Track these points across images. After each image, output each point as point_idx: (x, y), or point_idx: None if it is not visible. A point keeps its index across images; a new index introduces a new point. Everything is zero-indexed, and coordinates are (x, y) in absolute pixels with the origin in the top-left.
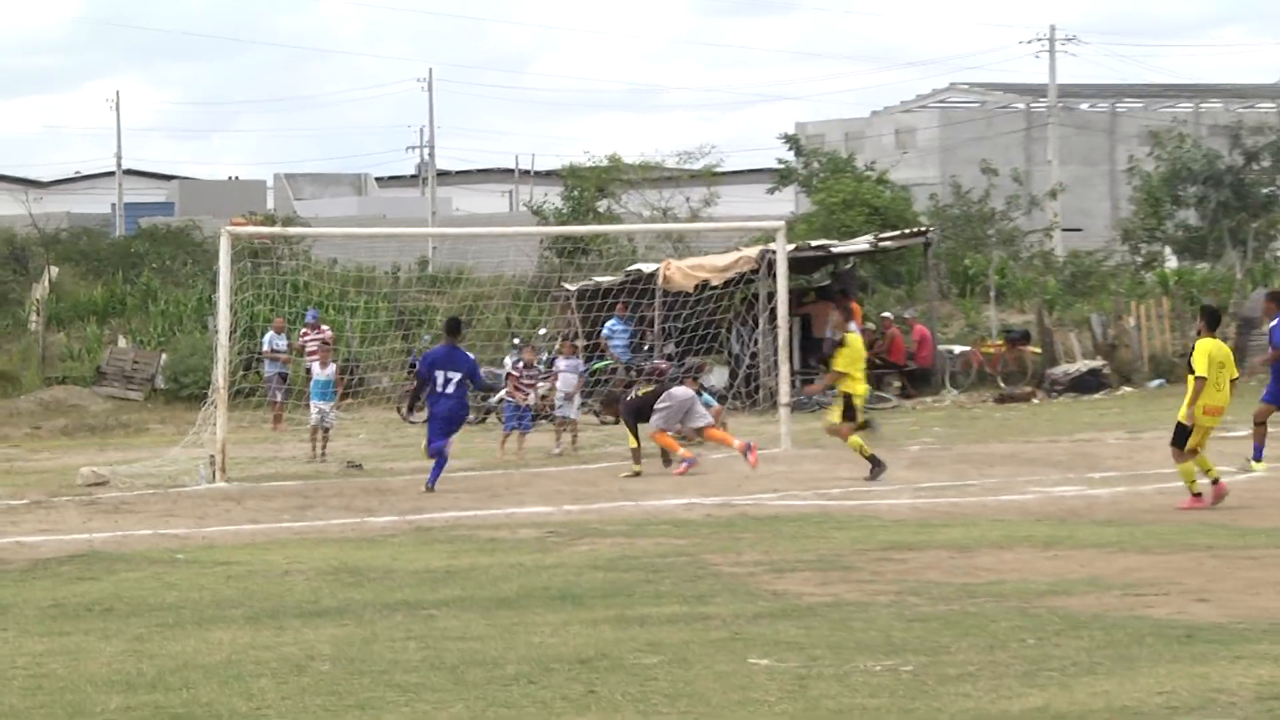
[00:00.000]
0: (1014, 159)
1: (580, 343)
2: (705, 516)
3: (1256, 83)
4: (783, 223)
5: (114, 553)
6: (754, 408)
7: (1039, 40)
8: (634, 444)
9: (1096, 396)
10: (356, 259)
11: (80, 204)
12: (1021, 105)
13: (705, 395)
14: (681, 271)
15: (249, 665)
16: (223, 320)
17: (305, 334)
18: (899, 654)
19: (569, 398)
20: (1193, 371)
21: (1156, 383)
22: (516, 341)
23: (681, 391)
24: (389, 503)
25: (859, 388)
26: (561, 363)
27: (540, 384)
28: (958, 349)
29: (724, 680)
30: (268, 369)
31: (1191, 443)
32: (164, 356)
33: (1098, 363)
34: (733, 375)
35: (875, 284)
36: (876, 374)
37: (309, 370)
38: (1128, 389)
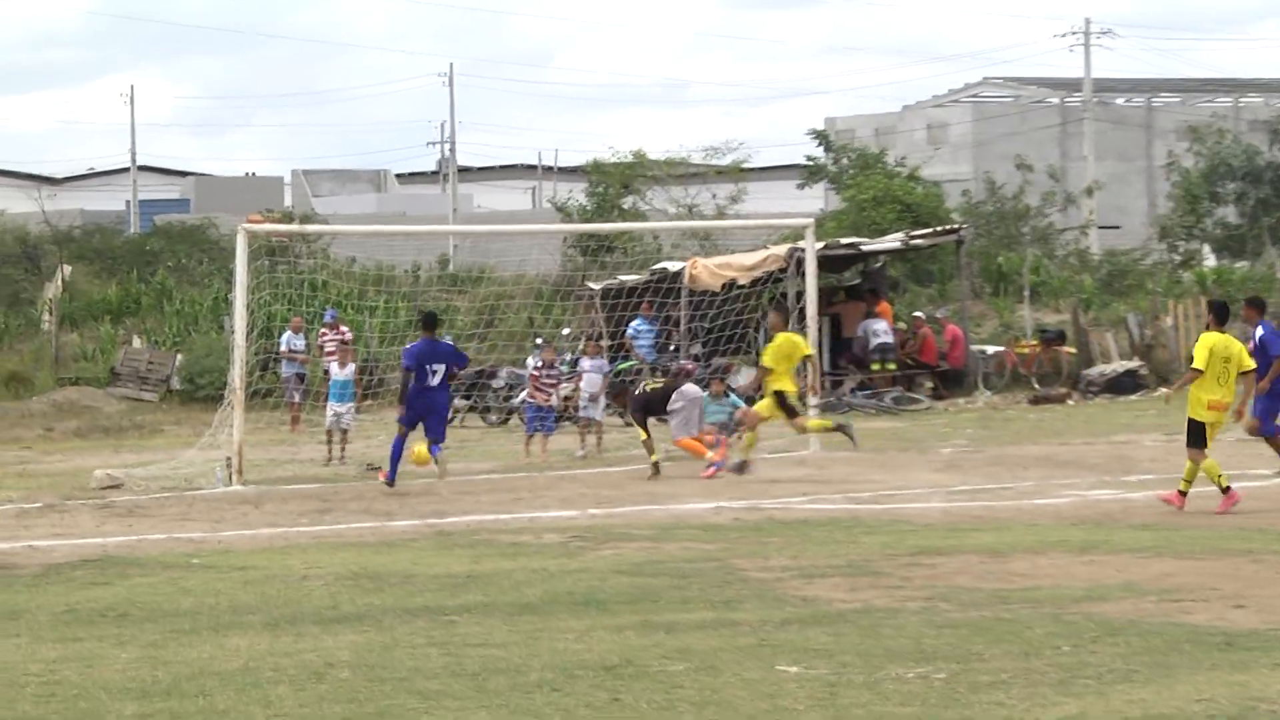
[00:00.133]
0: (1049, 155)
1: (605, 343)
2: (733, 520)
3: None
4: (812, 220)
5: (128, 557)
6: None
7: (1074, 33)
8: (644, 436)
9: (1133, 398)
10: (376, 257)
11: (94, 201)
12: (1056, 100)
13: (732, 396)
14: (708, 270)
15: (266, 672)
16: (239, 320)
17: (324, 334)
18: (930, 661)
19: (593, 399)
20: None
21: None
22: (539, 341)
23: (693, 389)
24: (409, 506)
25: (787, 385)
26: (586, 363)
27: (563, 384)
28: (991, 349)
29: (752, 688)
30: (285, 369)
31: (1211, 438)
32: (179, 357)
33: (1134, 363)
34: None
35: (906, 283)
36: (908, 375)
37: (327, 371)
38: (1165, 390)
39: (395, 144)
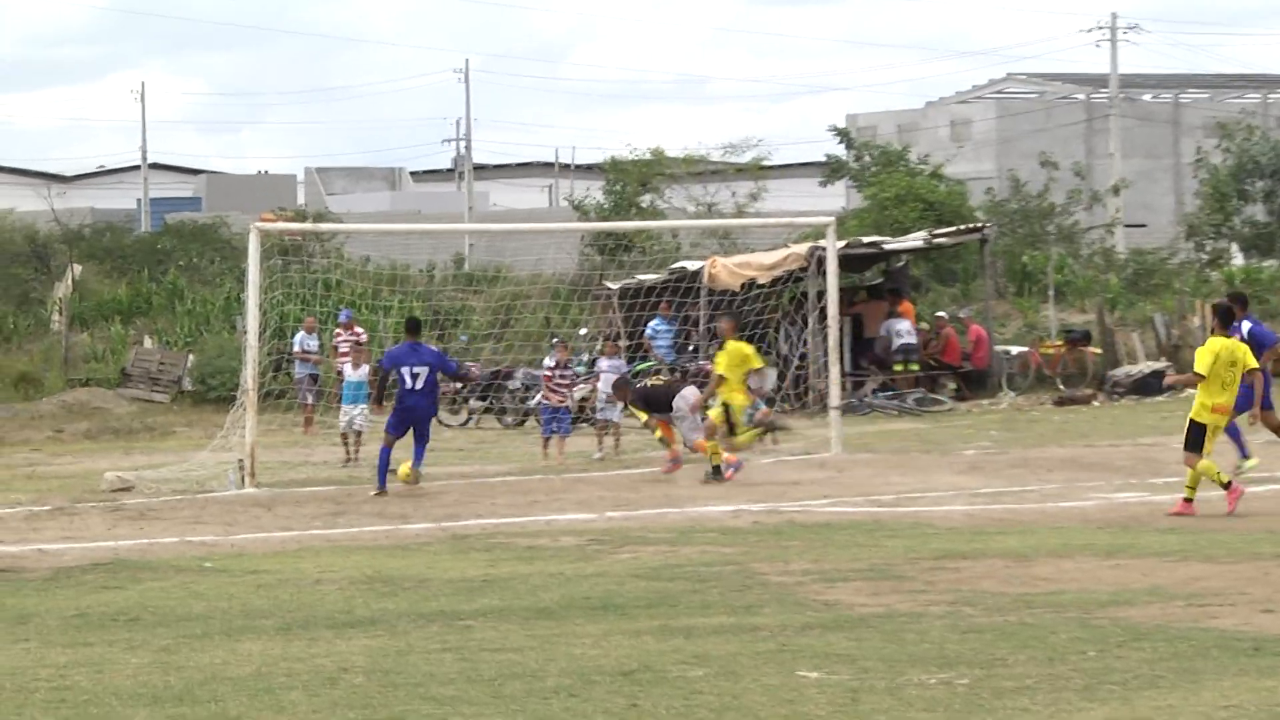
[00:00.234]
0: (1074, 152)
1: (623, 343)
2: (753, 524)
3: None
4: (833, 219)
5: (139, 561)
6: (803, 410)
7: (1100, 28)
8: (644, 418)
9: (1160, 399)
10: (390, 256)
11: (104, 199)
12: (1082, 96)
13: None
14: (727, 269)
15: (280, 678)
16: (252, 320)
17: (338, 334)
18: (953, 667)
19: (611, 400)
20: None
21: None
22: (555, 341)
23: (692, 391)
24: (424, 509)
25: (736, 398)
26: (604, 364)
27: (580, 385)
28: (1015, 350)
29: (772, 694)
30: (298, 370)
31: (1209, 444)
32: (191, 357)
33: (1161, 364)
34: (781, 377)
35: (929, 282)
36: (931, 375)
37: (340, 372)
38: (1192, 391)
39: (410, 141)
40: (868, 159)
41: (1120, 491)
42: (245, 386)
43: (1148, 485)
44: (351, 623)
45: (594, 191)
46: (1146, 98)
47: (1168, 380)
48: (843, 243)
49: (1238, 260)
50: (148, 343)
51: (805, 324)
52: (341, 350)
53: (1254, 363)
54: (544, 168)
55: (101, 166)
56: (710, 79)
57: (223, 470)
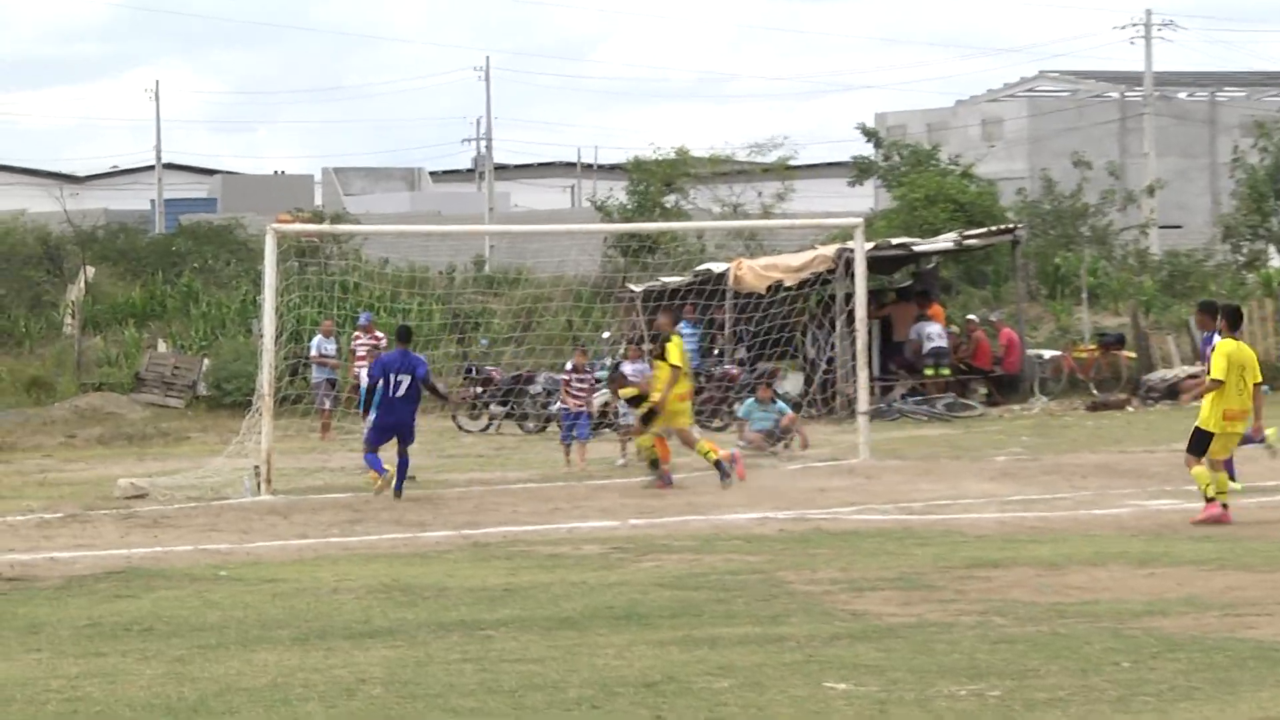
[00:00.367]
0: (1108, 151)
1: (646, 347)
2: (779, 531)
3: None
4: (861, 220)
5: (153, 569)
6: (831, 416)
7: (1134, 25)
8: (632, 392)
9: (1195, 404)
10: (409, 258)
11: (118, 200)
12: (1115, 94)
13: (779, 403)
14: (753, 271)
15: (296, 689)
16: (268, 323)
17: (357, 337)
18: (984, 678)
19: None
20: (1209, 374)
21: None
22: (577, 346)
23: None
24: (443, 516)
25: (656, 396)
26: (628, 367)
27: (600, 390)
28: (1047, 354)
29: (799, 705)
30: (315, 375)
31: (1213, 452)
32: (206, 362)
33: (1196, 368)
34: (808, 381)
35: (959, 285)
36: (961, 380)
37: (358, 376)
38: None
39: (429, 141)
40: (897, 159)
41: (1155, 499)
42: (261, 391)
43: (1183, 492)
44: (369, 633)
45: (617, 192)
46: (1182, 96)
47: (1187, 396)
48: (871, 244)
49: (1275, 262)
50: (162, 347)
51: (833, 327)
52: (360, 354)
53: (1259, 375)
54: (566, 168)
55: (115, 167)
56: (735, 77)
57: (238, 477)
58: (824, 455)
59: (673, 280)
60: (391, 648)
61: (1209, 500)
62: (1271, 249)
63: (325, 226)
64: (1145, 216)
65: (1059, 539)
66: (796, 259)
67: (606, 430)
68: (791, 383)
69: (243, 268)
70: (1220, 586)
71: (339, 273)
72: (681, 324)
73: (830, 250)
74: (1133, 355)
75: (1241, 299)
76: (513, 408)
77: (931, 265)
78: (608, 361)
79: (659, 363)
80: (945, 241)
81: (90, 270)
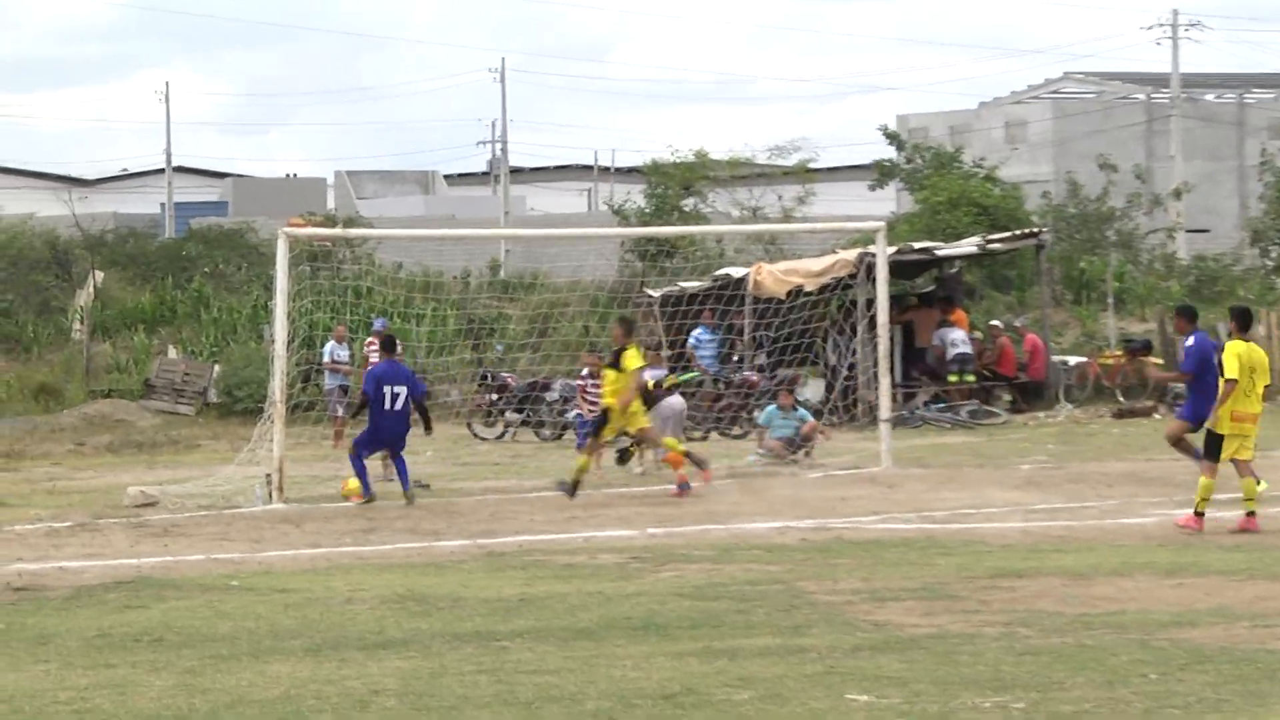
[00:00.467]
0: (1134, 154)
1: (665, 353)
2: (799, 541)
3: None
4: (883, 223)
5: (164, 579)
6: (852, 423)
7: (1161, 26)
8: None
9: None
10: (423, 263)
11: (127, 204)
12: (1142, 96)
13: (800, 410)
14: (773, 276)
15: (309, 700)
16: (280, 329)
17: (370, 343)
18: (1009, 690)
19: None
20: (1223, 375)
21: None
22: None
23: (677, 401)
24: (458, 525)
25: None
26: (646, 374)
27: None
28: (1073, 360)
29: (820, 718)
30: (328, 381)
31: (1234, 454)
32: (217, 368)
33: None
34: (829, 388)
35: (983, 290)
36: (985, 387)
37: None
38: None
39: (444, 143)
40: (919, 161)
41: (1182, 508)
42: (273, 398)
43: (1211, 501)
44: (383, 643)
45: (634, 195)
46: (1209, 97)
47: (1216, 415)
48: (893, 248)
49: None
50: (172, 353)
51: (854, 333)
52: (372, 360)
53: (1267, 379)
54: (583, 170)
55: (124, 169)
56: (755, 78)
57: (250, 485)
58: (846, 463)
59: (691, 285)
60: (405, 659)
61: (1198, 514)
62: None
63: (338, 230)
64: (1172, 220)
65: (1085, 549)
66: (817, 263)
67: (624, 437)
68: (812, 389)
69: (254, 272)
70: (1249, 596)
71: (352, 277)
72: (700, 329)
73: (852, 254)
74: (1160, 362)
75: (1270, 304)
76: (528, 415)
77: (955, 270)
78: None
79: (610, 371)
80: (969, 246)
81: (99, 275)
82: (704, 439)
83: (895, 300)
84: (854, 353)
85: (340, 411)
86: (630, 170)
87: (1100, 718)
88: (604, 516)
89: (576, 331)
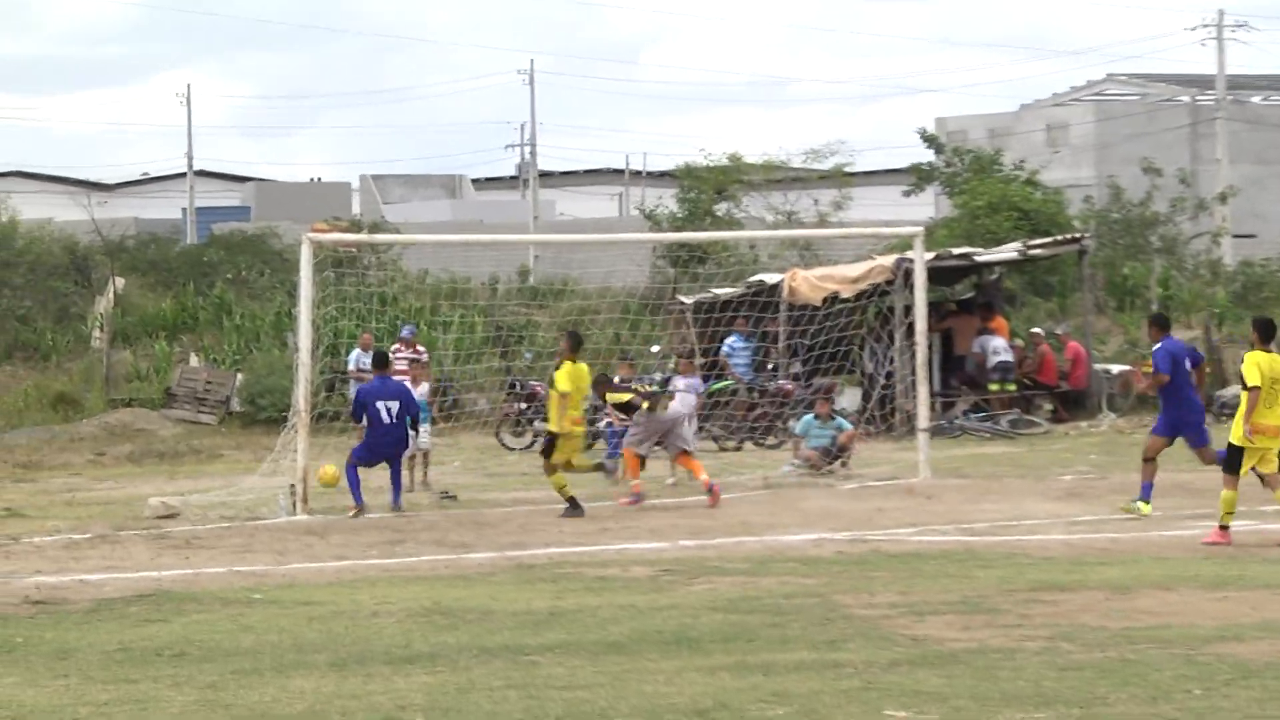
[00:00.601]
0: (1178, 158)
1: (698, 361)
2: (836, 553)
3: None
4: (921, 228)
5: (185, 592)
6: (890, 433)
7: (1206, 26)
8: (625, 398)
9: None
10: (450, 269)
11: (148, 208)
12: (1186, 98)
13: (838, 419)
14: (809, 282)
15: (334, 716)
16: (304, 336)
17: (396, 350)
18: (1050, 706)
19: (685, 421)
20: (1245, 385)
21: None
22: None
23: (672, 411)
24: (486, 537)
25: (563, 425)
26: (680, 382)
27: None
28: (1116, 368)
29: None
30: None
31: (1260, 466)
32: (239, 376)
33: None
34: (866, 397)
35: (1024, 296)
36: (1026, 396)
37: None
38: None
39: (471, 147)
40: (958, 165)
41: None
42: (297, 407)
43: (1257, 513)
44: (410, 658)
45: (666, 200)
46: (1256, 100)
47: (1247, 428)
48: (931, 254)
49: None
50: (193, 361)
51: (891, 341)
52: (399, 368)
53: None
54: (614, 175)
55: (145, 174)
56: (790, 81)
57: (273, 496)
58: (883, 474)
59: (724, 292)
60: (433, 673)
61: (1223, 527)
62: None
63: (363, 236)
64: (1217, 225)
65: (1128, 561)
66: (854, 269)
67: (655, 447)
68: (849, 398)
69: (277, 279)
70: None
71: (377, 284)
72: (734, 337)
73: (889, 260)
74: (1205, 370)
75: None
76: None
77: (995, 276)
78: (657, 376)
79: (551, 390)
80: (1009, 251)
81: (119, 281)
82: (738, 449)
83: (934, 307)
84: (891, 361)
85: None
86: (662, 174)
87: None
88: (636, 528)
89: (607, 339)
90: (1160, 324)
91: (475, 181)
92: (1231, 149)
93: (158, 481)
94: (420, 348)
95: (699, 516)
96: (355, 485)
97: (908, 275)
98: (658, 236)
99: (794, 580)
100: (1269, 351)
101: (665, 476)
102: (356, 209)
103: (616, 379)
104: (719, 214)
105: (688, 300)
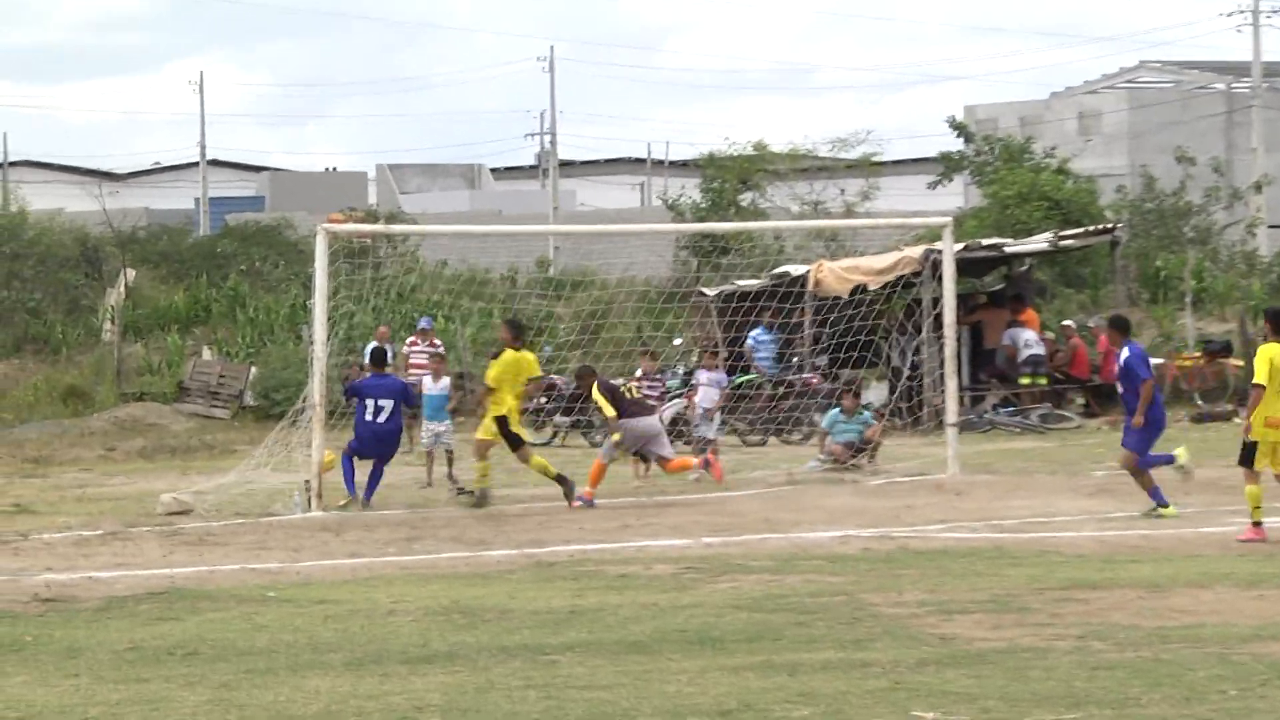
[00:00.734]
0: (1212, 146)
1: (722, 354)
2: (862, 550)
3: None
4: (950, 219)
5: (198, 590)
6: (917, 427)
7: (1241, 12)
8: (611, 415)
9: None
10: (468, 260)
11: (160, 199)
12: (1221, 86)
13: (865, 413)
14: (835, 274)
15: (349, 717)
16: (319, 329)
17: (412, 342)
18: (1082, 706)
19: (708, 415)
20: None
21: None
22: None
23: (647, 423)
24: (505, 534)
25: (504, 407)
26: (703, 376)
27: (676, 400)
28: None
29: None
30: None
31: (1260, 462)
32: (253, 370)
33: None
34: (893, 391)
35: (1055, 288)
36: (1057, 390)
37: (416, 385)
38: (1240, 422)
39: (490, 136)
40: (988, 154)
41: (1269, 516)
42: (312, 401)
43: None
44: (427, 657)
45: (689, 190)
46: None
47: (1246, 421)
48: (961, 245)
49: None
50: (206, 354)
51: (919, 333)
52: (416, 361)
53: None
54: (635, 164)
55: (157, 163)
56: (816, 68)
57: (288, 492)
58: (911, 469)
59: (749, 284)
60: (451, 673)
61: (1256, 524)
62: None
63: (379, 227)
64: (1253, 215)
65: (1162, 559)
66: (881, 261)
67: (679, 441)
68: (875, 392)
69: (292, 270)
70: None
71: (394, 276)
72: (759, 329)
73: (917, 252)
74: (1240, 364)
75: None
76: (578, 418)
77: (1025, 268)
78: (680, 369)
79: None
80: (1040, 242)
81: (131, 273)
82: (762, 443)
83: (962, 299)
84: (919, 354)
85: None
86: (685, 163)
87: None
88: (658, 525)
89: (629, 331)
90: (1123, 327)
91: (494, 171)
92: (1267, 137)
93: (170, 477)
94: (437, 340)
95: (723, 514)
96: (349, 476)
97: (936, 266)
98: (680, 227)
99: (820, 578)
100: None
101: (689, 473)
102: (373, 199)
103: (639, 373)
104: (743, 204)
105: (711, 292)
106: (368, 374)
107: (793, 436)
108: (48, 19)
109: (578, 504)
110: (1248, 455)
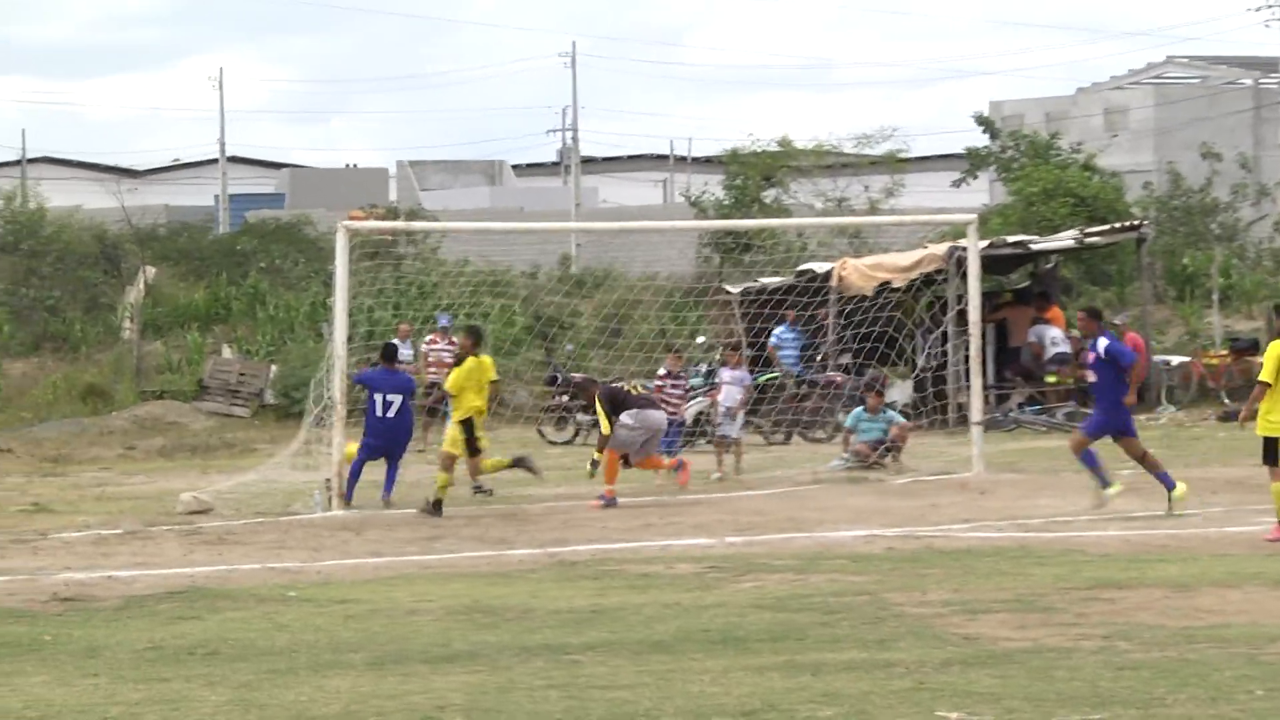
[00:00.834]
0: (1240, 142)
1: (745, 352)
2: (887, 550)
3: None
4: (975, 216)
5: (218, 589)
6: (942, 426)
7: (1269, 7)
8: (607, 431)
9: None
10: (490, 257)
11: (180, 196)
12: (1249, 81)
13: (889, 411)
14: (859, 272)
15: (370, 717)
16: (339, 327)
17: (432, 341)
18: (1107, 707)
19: (731, 414)
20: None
21: None
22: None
23: (658, 417)
24: (527, 533)
25: (475, 411)
26: (726, 374)
27: (698, 398)
28: (1175, 360)
29: None
30: None
31: None
32: (273, 368)
33: None
34: (917, 389)
35: (1081, 285)
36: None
37: (433, 383)
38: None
39: (512, 132)
40: (1013, 150)
41: None
42: (333, 399)
43: None
44: (449, 657)
45: (713, 186)
46: None
47: (1244, 415)
48: (985, 242)
49: None
50: (226, 352)
51: (944, 331)
52: (432, 359)
53: None
54: (658, 160)
55: (176, 160)
56: (840, 63)
57: (308, 490)
58: (935, 468)
59: (772, 281)
60: (472, 673)
61: None
62: None
63: (400, 224)
64: None
65: (1189, 558)
66: (905, 258)
67: (701, 441)
68: (899, 390)
69: (312, 268)
70: None
71: (415, 273)
72: (782, 327)
73: (942, 249)
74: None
75: None
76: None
77: (1051, 265)
78: (703, 368)
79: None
80: (1065, 239)
81: (150, 270)
82: (785, 442)
83: (988, 297)
84: (944, 352)
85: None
86: (708, 160)
87: None
88: (680, 524)
89: (651, 330)
90: (1095, 315)
91: (515, 167)
92: None
93: (190, 476)
94: (455, 339)
95: (746, 513)
96: (352, 479)
97: (961, 264)
98: (703, 224)
99: (844, 578)
100: None
101: (710, 471)
102: (394, 196)
103: (663, 371)
104: (767, 201)
105: (734, 290)
106: (378, 367)
107: (816, 435)
108: (67, 15)
109: (599, 503)
110: (1270, 453)
